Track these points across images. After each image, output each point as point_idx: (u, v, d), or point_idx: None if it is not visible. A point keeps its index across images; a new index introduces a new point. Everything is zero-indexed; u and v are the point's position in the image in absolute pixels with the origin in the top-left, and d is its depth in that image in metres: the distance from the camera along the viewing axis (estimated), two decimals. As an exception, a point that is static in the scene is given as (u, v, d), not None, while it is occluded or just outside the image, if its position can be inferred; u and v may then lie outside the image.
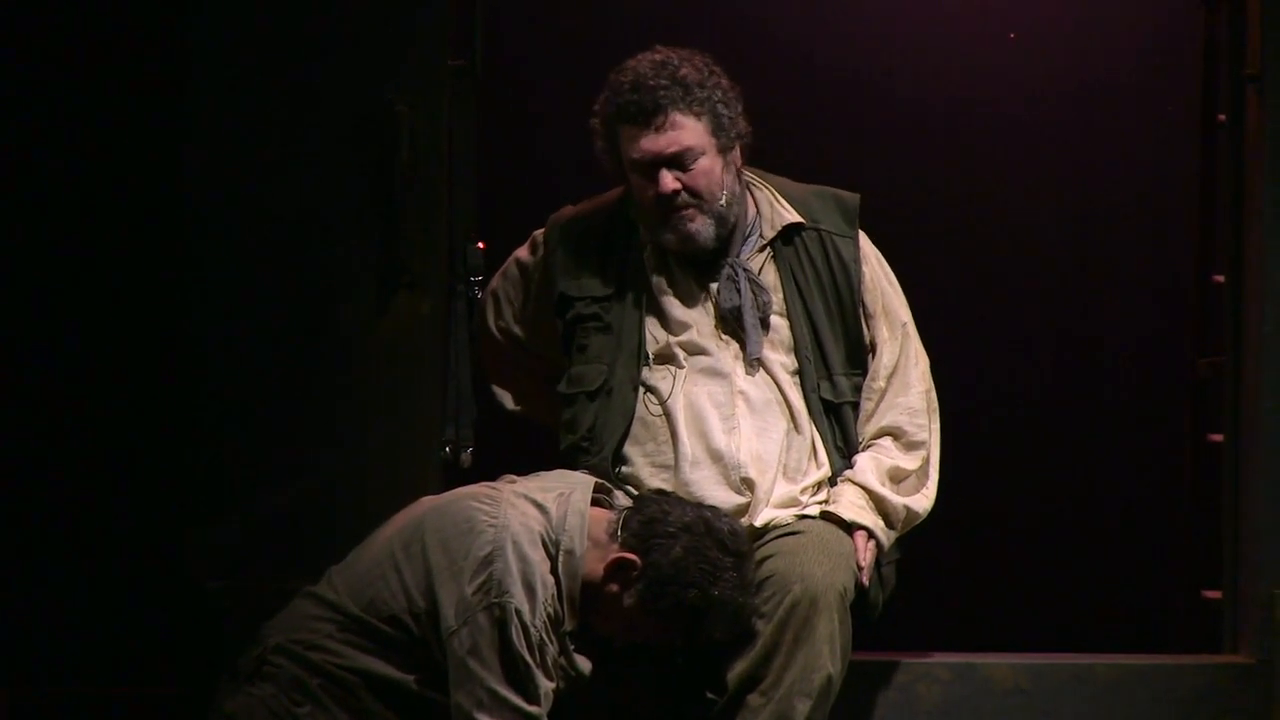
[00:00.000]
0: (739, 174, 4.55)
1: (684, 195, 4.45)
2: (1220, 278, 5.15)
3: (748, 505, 4.42)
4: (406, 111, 4.68)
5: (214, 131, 4.72)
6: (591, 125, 4.52)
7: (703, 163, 4.45)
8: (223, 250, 4.72)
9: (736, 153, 4.52)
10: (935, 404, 4.60)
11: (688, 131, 4.44)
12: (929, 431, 4.56)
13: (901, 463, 4.52)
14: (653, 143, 4.44)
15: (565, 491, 4.24)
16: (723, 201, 4.49)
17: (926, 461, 4.55)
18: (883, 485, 4.47)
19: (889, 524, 4.47)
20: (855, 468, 4.50)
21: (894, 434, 4.54)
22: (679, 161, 4.44)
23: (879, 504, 4.46)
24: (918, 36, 6.31)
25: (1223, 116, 5.13)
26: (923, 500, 4.54)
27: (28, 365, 5.23)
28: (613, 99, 4.46)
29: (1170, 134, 6.18)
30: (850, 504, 4.44)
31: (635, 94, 4.42)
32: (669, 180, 4.44)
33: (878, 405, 4.54)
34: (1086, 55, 6.31)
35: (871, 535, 4.43)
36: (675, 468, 4.43)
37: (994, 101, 6.33)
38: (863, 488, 4.47)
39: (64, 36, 5.23)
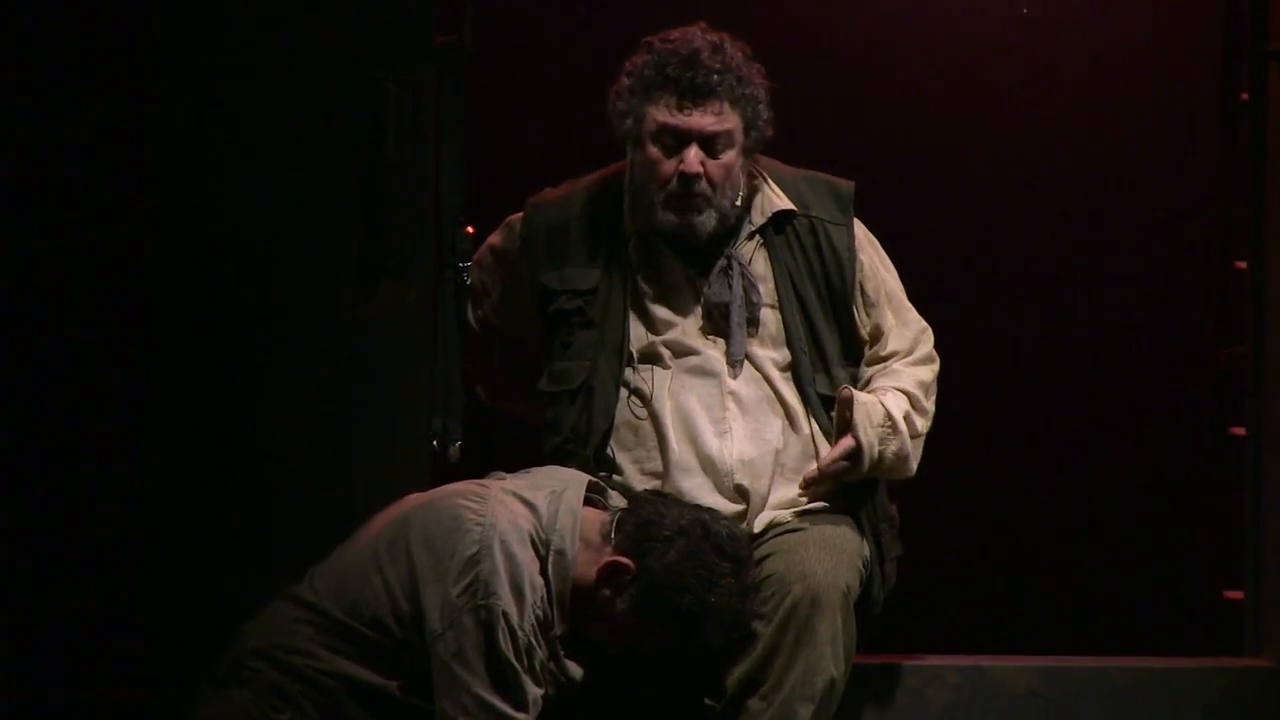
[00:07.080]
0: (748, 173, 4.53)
1: (702, 183, 4.40)
2: (1242, 263, 5.15)
3: (744, 513, 4.36)
4: (394, 89, 4.64)
5: (197, 111, 4.68)
6: (619, 83, 4.46)
7: (729, 155, 4.42)
8: (205, 235, 4.68)
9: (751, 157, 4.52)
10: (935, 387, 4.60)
11: (729, 121, 4.39)
12: (930, 409, 4.51)
13: (917, 423, 4.45)
14: (697, 120, 4.38)
15: (557, 489, 4.21)
16: (732, 200, 4.44)
17: (923, 435, 4.49)
18: (905, 423, 4.40)
19: (880, 459, 4.38)
20: (890, 396, 4.41)
21: (908, 395, 4.47)
22: (711, 145, 4.40)
23: (892, 433, 4.37)
24: (927, 13, 6.31)
25: (1244, 95, 5.15)
26: (912, 464, 4.46)
27: (11, 359, 5.23)
28: (660, 65, 4.40)
29: (1190, 114, 6.20)
30: (876, 410, 4.36)
31: (690, 70, 4.37)
32: (695, 158, 4.38)
33: (888, 370, 4.48)
34: (1102, 31, 6.32)
35: (857, 451, 4.34)
36: (665, 475, 4.38)
37: (1006, 81, 6.33)
38: (892, 415, 4.39)
39: (43, 17, 5.25)
